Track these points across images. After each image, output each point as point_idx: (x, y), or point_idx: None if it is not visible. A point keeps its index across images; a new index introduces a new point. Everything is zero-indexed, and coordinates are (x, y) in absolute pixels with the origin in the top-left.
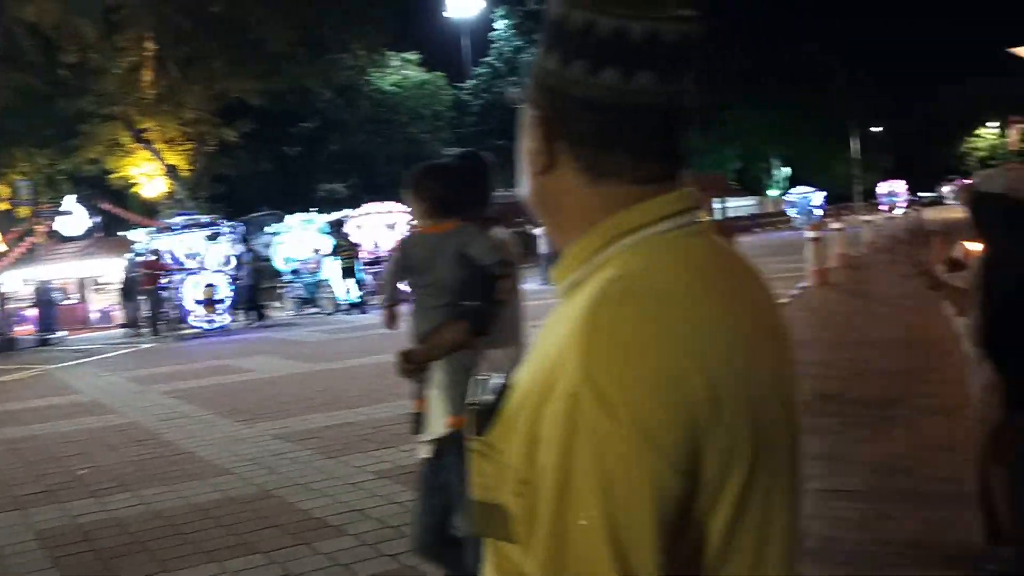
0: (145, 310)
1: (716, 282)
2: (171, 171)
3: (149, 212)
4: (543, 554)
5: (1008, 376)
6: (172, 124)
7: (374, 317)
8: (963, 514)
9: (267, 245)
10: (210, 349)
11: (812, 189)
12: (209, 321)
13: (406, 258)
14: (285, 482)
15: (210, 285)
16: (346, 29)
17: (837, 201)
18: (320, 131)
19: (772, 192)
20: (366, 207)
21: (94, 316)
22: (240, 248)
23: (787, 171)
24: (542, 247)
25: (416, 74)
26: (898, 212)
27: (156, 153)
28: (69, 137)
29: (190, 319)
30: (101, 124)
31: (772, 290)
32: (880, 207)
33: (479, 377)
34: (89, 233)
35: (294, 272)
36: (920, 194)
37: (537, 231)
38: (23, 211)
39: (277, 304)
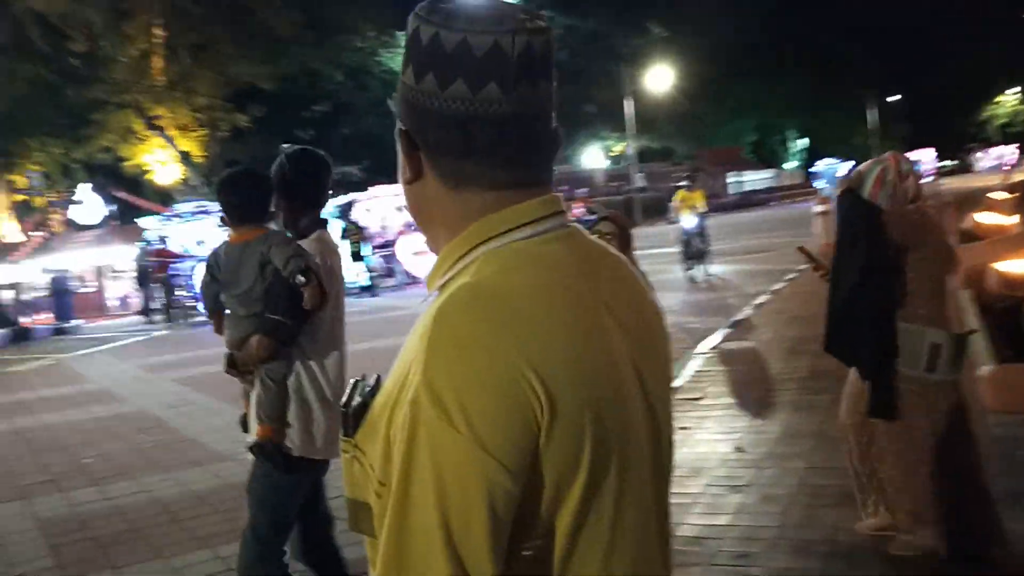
0: (158, 298)
1: (569, 286)
2: (184, 157)
3: (164, 199)
4: (385, 553)
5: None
6: (184, 111)
7: (385, 300)
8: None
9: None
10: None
11: (838, 160)
12: None
13: (215, 269)
14: None
15: None
16: (353, 10)
17: None
18: (332, 114)
19: (789, 164)
20: (374, 190)
21: (111, 303)
22: None
23: (804, 142)
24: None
25: None
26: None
27: (169, 140)
28: (82, 126)
29: (201, 306)
30: (113, 112)
31: (647, 293)
32: None
33: (357, 379)
34: (105, 221)
35: None
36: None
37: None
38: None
39: None
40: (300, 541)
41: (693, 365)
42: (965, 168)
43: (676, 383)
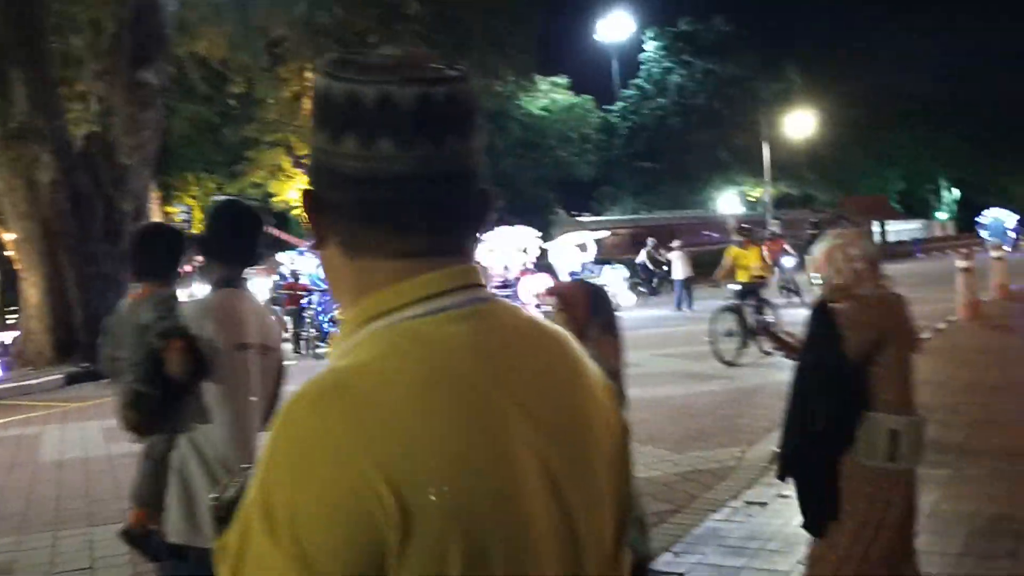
0: (288, 329)
1: (458, 373)
2: None
3: (309, 235)
4: None
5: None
6: None
7: None
8: None
9: None
10: None
11: (1007, 212)
12: None
13: (111, 327)
14: None
15: None
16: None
17: None
18: None
19: (940, 215)
20: (500, 230)
21: None
22: None
23: (956, 194)
24: (676, 273)
25: (565, 98)
26: None
27: None
28: (235, 163)
29: (328, 340)
30: (264, 150)
31: (590, 381)
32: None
33: (246, 465)
34: None
35: None
36: None
37: (671, 255)
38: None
39: None
40: None
41: None
42: None
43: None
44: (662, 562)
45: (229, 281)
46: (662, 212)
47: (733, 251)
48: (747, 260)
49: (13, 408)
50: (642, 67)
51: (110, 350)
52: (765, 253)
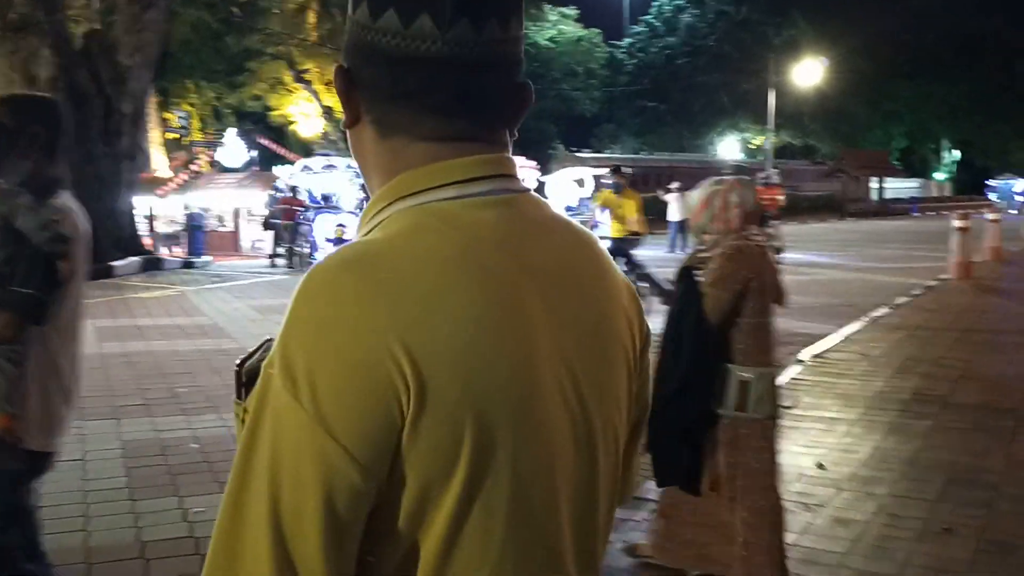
0: (283, 243)
1: (486, 259)
2: (327, 112)
3: (305, 150)
4: (214, 548)
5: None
6: (331, 67)
7: None
8: None
9: None
10: None
11: (1015, 176)
12: None
13: None
14: None
15: (341, 225)
16: None
17: None
18: None
19: (939, 175)
20: None
21: (245, 245)
22: None
23: (956, 155)
24: (672, 214)
25: (572, 30)
26: None
27: (314, 94)
28: (236, 73)
29: (317, 255)
30: (266, 62)
31: (615, 281)
32: None
33: (269, 337)
34: (246, 166)
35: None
36: None
37: (668, 197)
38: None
39: None
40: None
41: (791, 371)
42: None
43: None
44: None
45: (59, 184)
46: (663, 154)
47: (604, 196)
48: (623, 210)
49: None
50: (653, 4)
51: None
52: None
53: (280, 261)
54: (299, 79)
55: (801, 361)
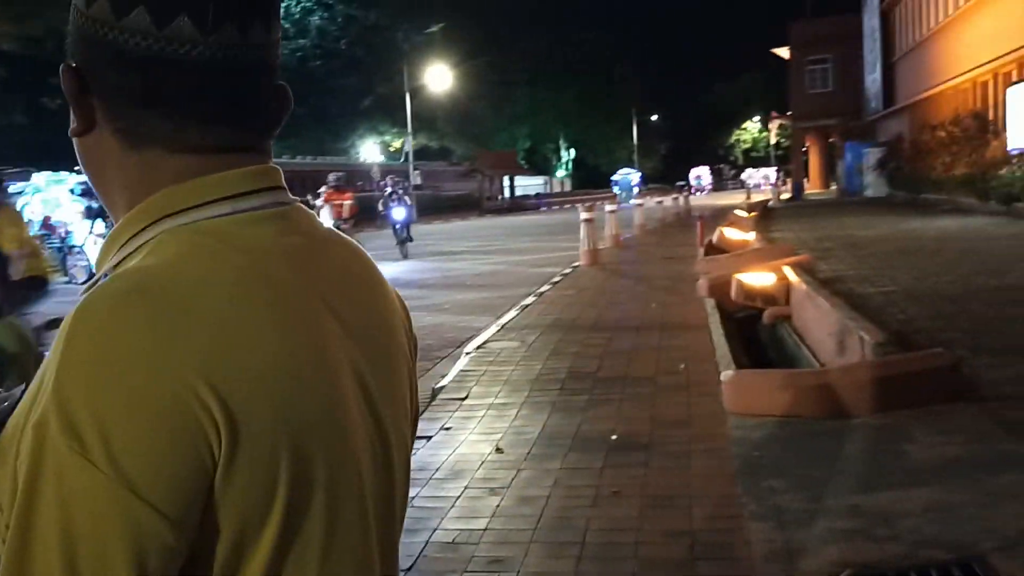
0: None
1: (273, 277)
2: None
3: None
4: None
5: None
6: None
7: None
8: (687, 487)
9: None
10: None
11: (633, 170)
12: None
13: None
14: None
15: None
16: None
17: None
18: None
19: (559, 173)
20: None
21: None
22: None
23: (572, 153)
24: (324, 220)
25: None
26: (700, 195)
27: None
28: None
29: None
30: None
31: (385, 288)
32: (693, 191)
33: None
34: None
35: (42, 237)
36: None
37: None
38: None
39: None
40: None
41: (459, 364)
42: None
43: (441, 383)
44: None
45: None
46: (306, 158)
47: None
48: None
49: None
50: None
51: None
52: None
53: None
54: None
55: (467, 353)
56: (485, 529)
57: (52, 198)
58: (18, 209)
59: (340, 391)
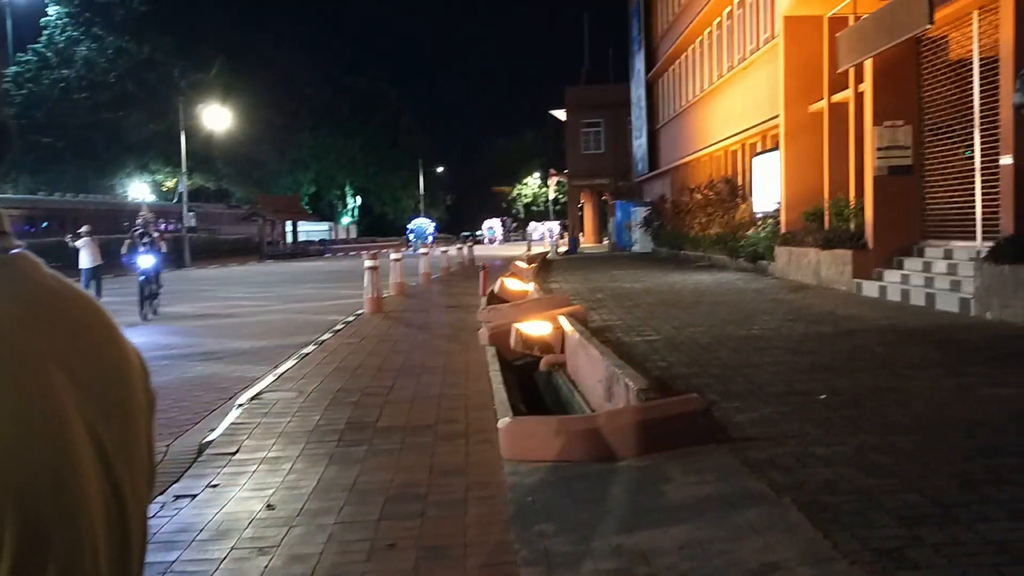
0: None
1: (8, 341)
2: None
3: None
4: None
5: None
6: None
7: None
8: (463, 536)
9: None
10: None
11: (428, 220)
12: None
13: None
14: None
15: None
16: None
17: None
18: None
19: (345, 219)
20: None
21: None
22: None
23: (359, 200)
24: (84, 262)
25: None
26: (493, 245)
27: None
28: None
29: None
30: None
31: (118, 339)
32: (487, 241)
33: None
34: None
35: None
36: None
37: (78, 243)
38: None
39: None
40: None
41: (231, 416)
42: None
43: (209, 437)
44: None
45: None
46: (66, 195)
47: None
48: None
49: None
50: (44, 32)
51: None
52: None
53: None
54: None
55: (240, 405)
56: None
57: None
58: None
59: (76, 459)
